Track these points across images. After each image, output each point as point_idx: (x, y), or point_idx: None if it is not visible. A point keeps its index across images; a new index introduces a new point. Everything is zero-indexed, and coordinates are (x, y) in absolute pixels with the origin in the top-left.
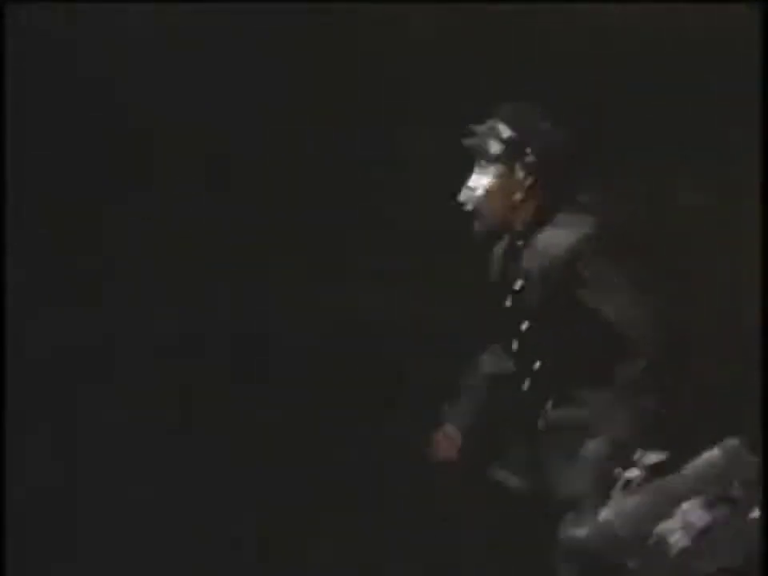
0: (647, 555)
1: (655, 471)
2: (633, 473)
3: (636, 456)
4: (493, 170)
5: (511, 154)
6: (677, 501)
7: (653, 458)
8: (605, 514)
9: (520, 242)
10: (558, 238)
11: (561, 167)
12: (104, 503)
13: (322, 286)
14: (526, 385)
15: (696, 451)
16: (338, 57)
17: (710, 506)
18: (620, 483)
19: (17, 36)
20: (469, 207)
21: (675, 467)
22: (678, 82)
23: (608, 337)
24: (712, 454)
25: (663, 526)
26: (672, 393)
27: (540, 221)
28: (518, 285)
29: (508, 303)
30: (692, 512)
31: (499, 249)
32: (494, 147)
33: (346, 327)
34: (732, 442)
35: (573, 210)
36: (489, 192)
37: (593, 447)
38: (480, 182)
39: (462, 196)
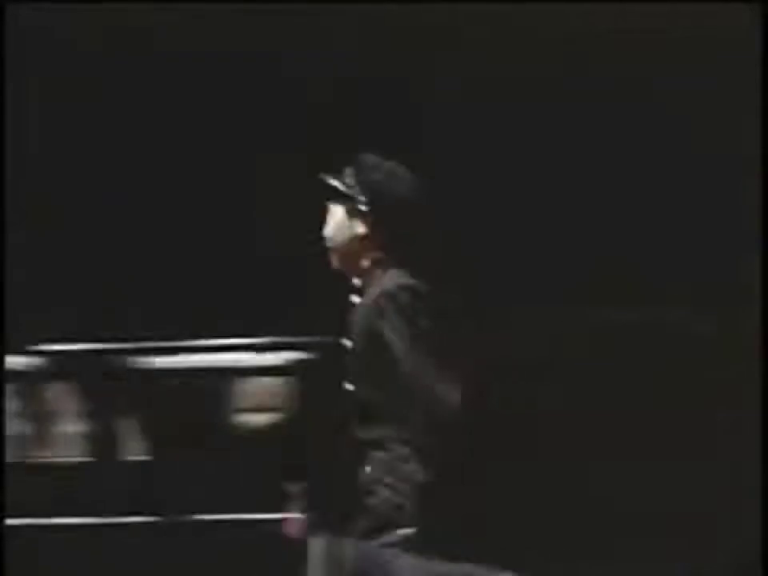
0: None
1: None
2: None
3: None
4: (340, 211)
5: (350, 202)
6: None
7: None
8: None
9: (359, 283)
10: (383, 281)
11: (396, 222)
12: None
13: None
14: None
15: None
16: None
17: None
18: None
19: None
20: (327, 243)
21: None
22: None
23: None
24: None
25: None
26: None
27: (374, 267)
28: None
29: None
30: None
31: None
32: (341, 193)
33: None
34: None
35: (402, 262)
36: (334, 231)
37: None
38: (331, 219)
39: (325, 230)
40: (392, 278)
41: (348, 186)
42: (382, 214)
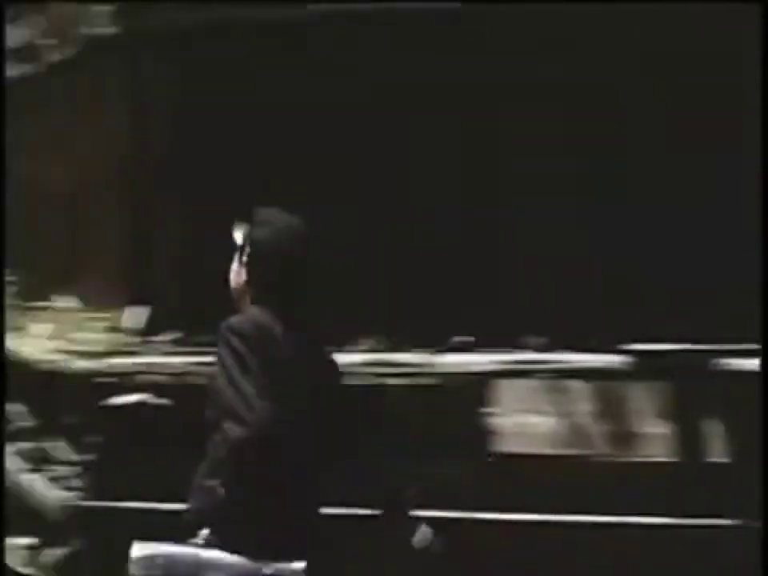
0: None
1: None
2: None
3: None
4: (236, 258)
5: (240, 252)
6: None
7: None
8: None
9: None
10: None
11: (266, 272)
12: None
13: None
14: None
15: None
16: None
17: None
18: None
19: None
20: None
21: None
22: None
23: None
24: None
25: None
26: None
27: (250, 311)
28: None
29: None
30: None
31: None
32: (235, 242)
33: None
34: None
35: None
36: (231, 276)
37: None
38: (232, 265)
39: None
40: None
41: (241, 239)
42: (260, 267)
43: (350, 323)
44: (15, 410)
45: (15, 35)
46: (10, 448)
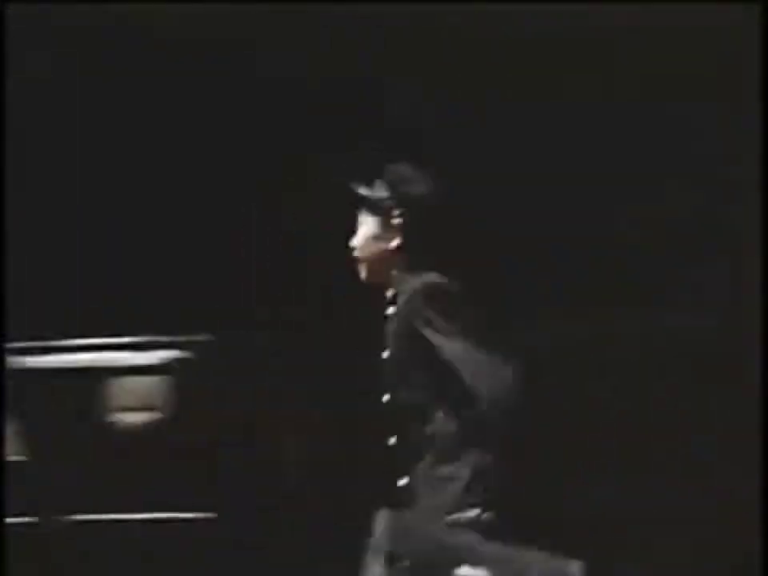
0: None
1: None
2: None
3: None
4: (370, 222)
5: (383, 213)
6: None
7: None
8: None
9: (391, 292)
10: (413, 283)
11: (429, 231)
12: None
13: None
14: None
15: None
16: None
17: None
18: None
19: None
20: (355, 253)
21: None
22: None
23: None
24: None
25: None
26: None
27: (406, 274)
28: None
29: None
30: None
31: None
32: (373, 204)
33: None
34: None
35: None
36: (364, 242)
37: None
38: (361, 231)
39: (353, 241)
40: (425, 280)
41: (384, 199)
42: (416, 226)
43: None
44: None
45: None
46: None
